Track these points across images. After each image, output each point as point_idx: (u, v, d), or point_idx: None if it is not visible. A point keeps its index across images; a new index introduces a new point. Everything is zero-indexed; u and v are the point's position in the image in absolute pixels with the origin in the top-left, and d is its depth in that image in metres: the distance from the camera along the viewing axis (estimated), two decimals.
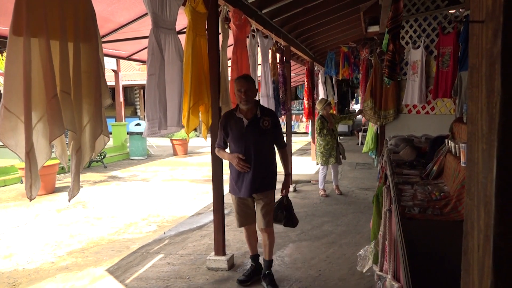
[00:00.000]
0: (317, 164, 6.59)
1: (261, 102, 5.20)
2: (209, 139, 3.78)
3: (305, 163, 9.64)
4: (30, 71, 1.69)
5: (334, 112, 13.91)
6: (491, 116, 0.62)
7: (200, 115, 3.52)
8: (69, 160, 2.02)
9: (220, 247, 3.76)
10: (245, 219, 3.33)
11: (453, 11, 4.71)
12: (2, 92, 1.73)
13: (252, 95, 3.09)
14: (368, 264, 2.83)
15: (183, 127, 3.28)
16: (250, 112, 3.14)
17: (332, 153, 6.17)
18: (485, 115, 0.66)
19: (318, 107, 6.25)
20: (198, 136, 15.22)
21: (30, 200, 1.75)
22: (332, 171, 6.45)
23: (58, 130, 1.74)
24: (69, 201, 1.98)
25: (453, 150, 2.36)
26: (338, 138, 6.37)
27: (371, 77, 6.14)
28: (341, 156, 6.34)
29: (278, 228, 4.99)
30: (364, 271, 2.83)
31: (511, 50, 0.58)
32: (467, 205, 0.78)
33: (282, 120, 15.72)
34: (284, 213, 3.39)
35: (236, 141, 3.14)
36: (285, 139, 3.46)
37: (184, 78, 3.18)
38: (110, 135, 11.86)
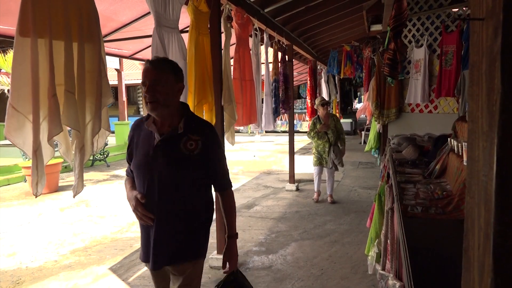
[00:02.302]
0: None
1: (264, 101, 5.18)
2: None
3: (308, 162, 9.62)
4: (38, 72, 1.72)
5: (337, 112, 13.85)
6: (491, 114, 0.62)
7: (204, 114, 3.53)
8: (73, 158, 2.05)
9: (222, 246, 3.74)
10: None
11: (456, 9, 4.69)
12: (6, 91, 1.75)
13: (165, 92, 1.76)
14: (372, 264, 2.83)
15: None
16: (168, 123, 1.85)
17: (323, 156, 5.81)
18: (485, 113, 0.65)
19: (316, 102, 6.10)
20: None
21: (36, 196, 1.79)
22: (326, 176, 5.95)
23: (55, 129, 1.77)
24: (73, 197, 2.03)
25: (455, 149, 2.36)
26: (345, 139, 6.11)
27: (375, 76, 6.09)
28: (336, 162, 5.75)
29: (280, 226, 5.02)
30: (370, 272, 2.83)
31: (511, 47, 0.58)
32: (468, 203, 0.78)
33: (284, 118, 15.77)
34: None
35: (138, 168, 1.86)
36: (229, 175, 2.02)
37: (188, 77, 3.19)
38: (112, 134, 11.97)
